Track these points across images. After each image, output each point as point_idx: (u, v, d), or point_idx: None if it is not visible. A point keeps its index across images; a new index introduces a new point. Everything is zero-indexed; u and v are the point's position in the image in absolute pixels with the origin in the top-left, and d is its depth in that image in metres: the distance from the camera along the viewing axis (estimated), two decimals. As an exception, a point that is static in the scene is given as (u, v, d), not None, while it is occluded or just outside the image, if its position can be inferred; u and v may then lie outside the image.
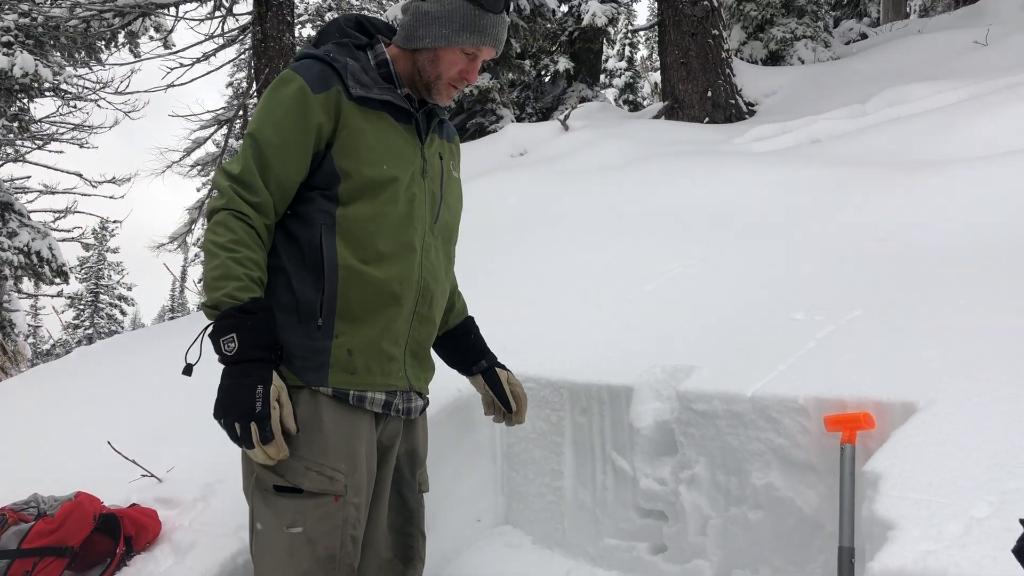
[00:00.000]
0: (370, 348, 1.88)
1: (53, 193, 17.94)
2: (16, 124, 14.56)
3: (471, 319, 2.41)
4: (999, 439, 1.81)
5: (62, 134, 16.52)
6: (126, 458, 3.02)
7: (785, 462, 2.29)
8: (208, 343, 1.76)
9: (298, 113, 1.82)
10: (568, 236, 4.66)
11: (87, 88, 14.49)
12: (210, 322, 1.74)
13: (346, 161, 1.85)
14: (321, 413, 1.84)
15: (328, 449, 1.83)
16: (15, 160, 16.79)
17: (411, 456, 2.16)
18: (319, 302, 1.83)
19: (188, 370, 1.82)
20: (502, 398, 2.34)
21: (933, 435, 1.90)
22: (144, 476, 2.98)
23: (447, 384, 2.80)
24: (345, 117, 1.84)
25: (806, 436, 2.24)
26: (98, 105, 14.47)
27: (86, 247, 29.51)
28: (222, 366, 1.72)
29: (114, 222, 22.17)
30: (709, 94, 8.82)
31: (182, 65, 9.83)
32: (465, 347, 2.35)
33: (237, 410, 1.66)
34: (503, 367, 2.39)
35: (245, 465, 1.92)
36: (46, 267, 13.47)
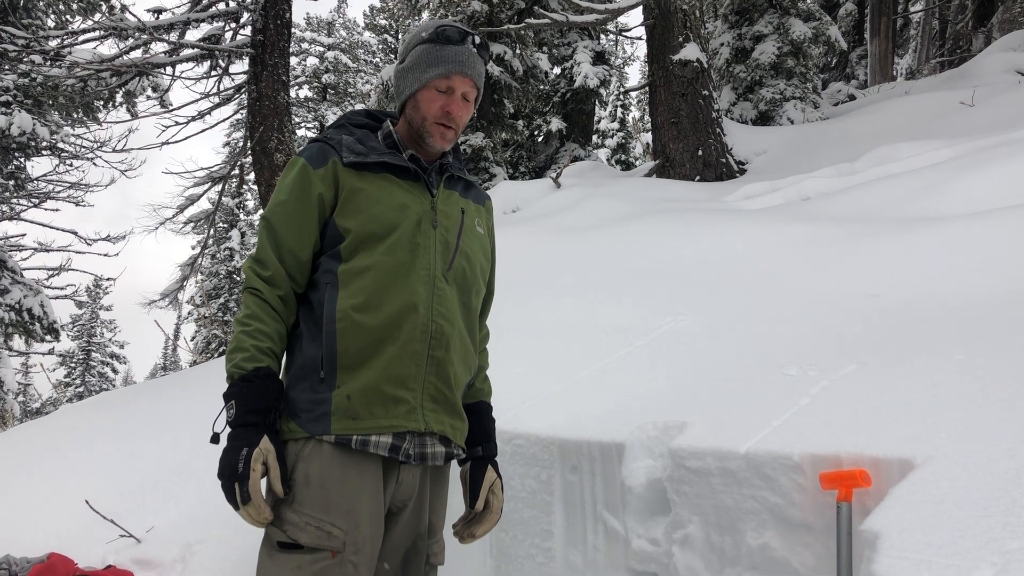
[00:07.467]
0: (370, 392, 1.93)
1: (48, 251, 17.97)
2: (12, 182, 14.65)
3: (488, 405, 2.36)
4: (999, 496, 1.76)
5: (58, 192, 16.64)
6: (104, 517, 2.95)
7: (781, 521, 2.22)
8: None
9: (301, 189, 2.03)
10: (559, 292, 4.63)
11: (84, 147, 14.64)
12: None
13: (346, 220, 2.01)
14: (324, 469, 1.89)
15: (328, 505, 1.88)
16: (10, 218, 16.85)
17: (423, 524, 2.14)
18: (320, 356, 1.94)
19: (215, 438, 1.93)
20: (474, 493, 2.24)
21: (931, 493, 1.84)
22: (122, 536, 2.89)
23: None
24: (343, 183, 2.03)
25: (802, 494, 2.18)
26: (94, 164, 14.63)
27: (79, 305, 29.44)
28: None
29: (108, 279, 22.19)
30: (700, 153, 8.90)
31: (177, 123, 9.92)
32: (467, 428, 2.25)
33: (226, 471, 1.80)
34: (497, 470, 2.30)
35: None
36: (37, 324, 13.40)
